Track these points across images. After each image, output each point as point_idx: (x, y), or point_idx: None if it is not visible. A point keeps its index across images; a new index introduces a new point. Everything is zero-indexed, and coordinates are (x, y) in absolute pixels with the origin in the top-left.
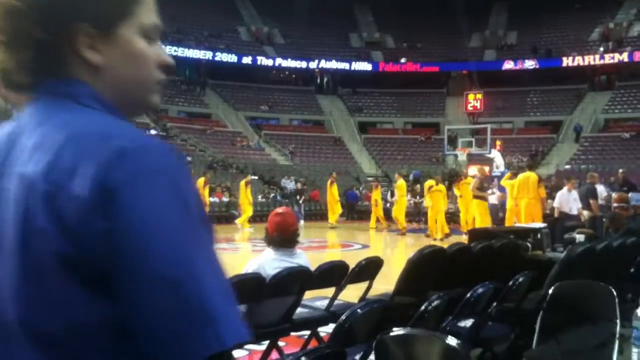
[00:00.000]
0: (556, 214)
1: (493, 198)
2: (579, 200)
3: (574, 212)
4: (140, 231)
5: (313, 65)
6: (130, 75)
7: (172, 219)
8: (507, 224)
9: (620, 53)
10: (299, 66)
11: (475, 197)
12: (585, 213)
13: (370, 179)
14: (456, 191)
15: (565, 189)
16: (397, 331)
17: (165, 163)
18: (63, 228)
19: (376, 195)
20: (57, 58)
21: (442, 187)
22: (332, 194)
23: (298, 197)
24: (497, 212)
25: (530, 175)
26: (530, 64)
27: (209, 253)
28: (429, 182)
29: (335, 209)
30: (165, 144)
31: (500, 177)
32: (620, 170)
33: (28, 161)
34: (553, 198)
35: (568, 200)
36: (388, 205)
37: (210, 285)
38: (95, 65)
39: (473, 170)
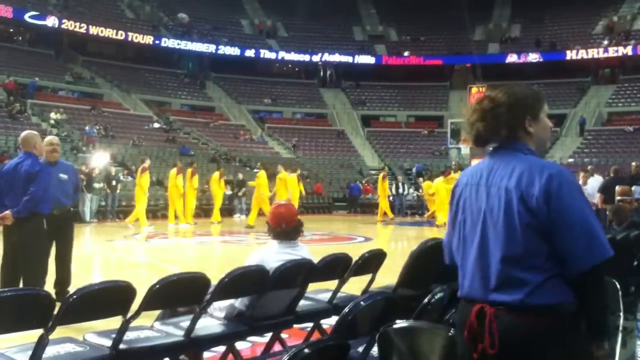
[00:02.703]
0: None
1: None
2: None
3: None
4: (567, 209)
5: (316, 58)
6: (544, 137)
7: (580, 202)
8: None
9: (625, 46)
10: (302, 59)
11: None
12: None
13: (373, 172)
14: None
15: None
16: (400, 323)
17: (570, 177)
18: (529, 210)
19: (384, 186)
20: (515, 131)
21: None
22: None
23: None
24: None
25: None
26: (533, 57)
27: (594, 214)
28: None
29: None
30: (566, 169)
31: None
32: (634, 164)
33: (507, 180)
34: None
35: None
36: (391, 198)
37: (600, 230)
38: (531, 133)
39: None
